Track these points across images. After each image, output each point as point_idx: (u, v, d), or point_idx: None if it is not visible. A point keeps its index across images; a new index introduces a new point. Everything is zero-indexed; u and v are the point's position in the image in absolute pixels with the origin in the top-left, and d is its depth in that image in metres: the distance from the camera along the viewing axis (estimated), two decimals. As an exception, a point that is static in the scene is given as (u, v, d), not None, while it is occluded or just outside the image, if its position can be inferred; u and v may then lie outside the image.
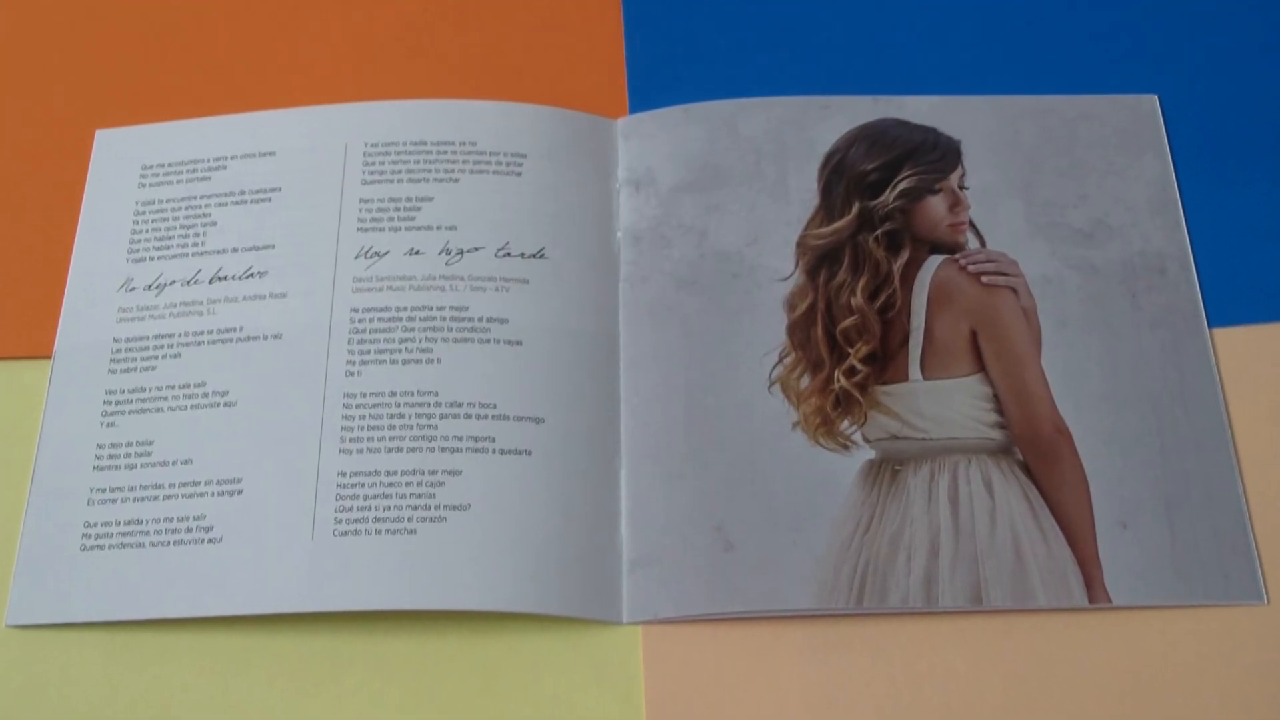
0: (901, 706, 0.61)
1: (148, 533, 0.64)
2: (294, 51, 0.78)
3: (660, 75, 0.77)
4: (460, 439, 0.66)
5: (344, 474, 0.65)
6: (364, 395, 0.67)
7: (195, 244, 0.71)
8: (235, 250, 0.71)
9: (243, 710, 0.62)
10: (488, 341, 0.68)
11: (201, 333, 0.69)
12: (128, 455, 0.66)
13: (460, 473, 0.65)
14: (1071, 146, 0.73)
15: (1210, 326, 0.69)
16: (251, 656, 0.63)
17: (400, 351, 0.68)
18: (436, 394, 0.66)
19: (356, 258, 0.70)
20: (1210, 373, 0.67)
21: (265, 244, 0.71)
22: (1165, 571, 0.63)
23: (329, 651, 0.63)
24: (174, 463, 0.66)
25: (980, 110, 0.74)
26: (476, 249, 0.70)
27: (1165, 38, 0.77)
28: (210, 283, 0.70)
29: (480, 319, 0.68)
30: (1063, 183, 0.72)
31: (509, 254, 0.70)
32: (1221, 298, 0.69)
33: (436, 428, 0.66)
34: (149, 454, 0.66)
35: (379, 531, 0.64)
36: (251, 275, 0.70)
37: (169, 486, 0.65)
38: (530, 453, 0.66)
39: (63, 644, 0.63)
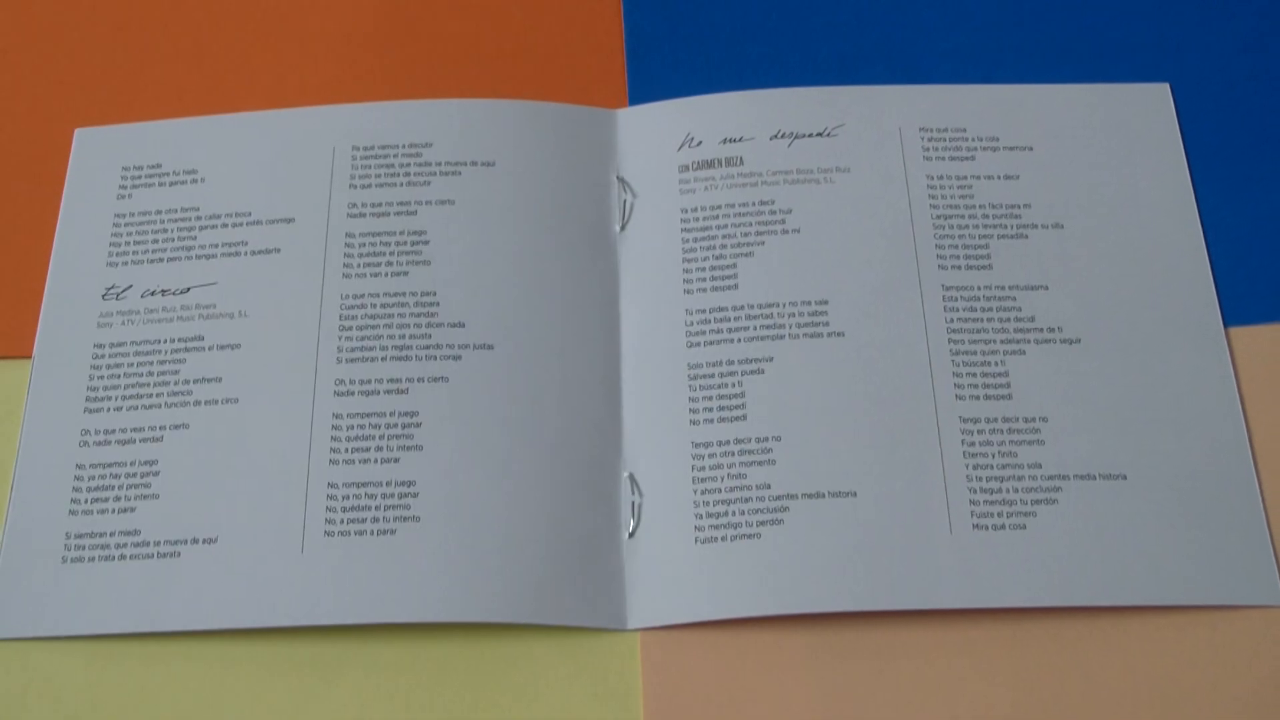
0: (909, 714, 0.60)
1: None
2: (282, 49, 0.78)
3: (661, 67, 0.76)
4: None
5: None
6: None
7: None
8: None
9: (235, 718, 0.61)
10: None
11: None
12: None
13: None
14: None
15: (1226, 325, 0.68)
16: (239, 666, 0.62)
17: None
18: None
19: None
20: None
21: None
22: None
23: (319, 660, 0.62)
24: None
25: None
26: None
27: (1177, 24, 0.77)
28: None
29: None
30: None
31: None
32: (1238, 295, 0.69)
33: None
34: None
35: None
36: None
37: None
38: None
39: (44, 654, 0.62)
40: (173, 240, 0.70)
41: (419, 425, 0.65)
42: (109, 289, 0.69)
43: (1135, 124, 0.73)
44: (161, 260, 0.70)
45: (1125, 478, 0.64)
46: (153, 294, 0.69)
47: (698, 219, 0.70)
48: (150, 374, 0.67)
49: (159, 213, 0.71)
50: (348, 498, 0.64)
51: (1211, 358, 0.67)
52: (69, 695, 0.61)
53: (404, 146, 0.72)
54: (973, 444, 0.64)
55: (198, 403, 0.66)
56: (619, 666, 0.62)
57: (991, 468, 0.64)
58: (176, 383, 0.67)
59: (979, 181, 0.71)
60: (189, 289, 0.69)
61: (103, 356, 0.68)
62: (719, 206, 0.70)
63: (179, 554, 0.63)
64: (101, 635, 0.62)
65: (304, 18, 0.79)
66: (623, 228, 0.71)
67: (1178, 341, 0.67)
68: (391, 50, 0.77)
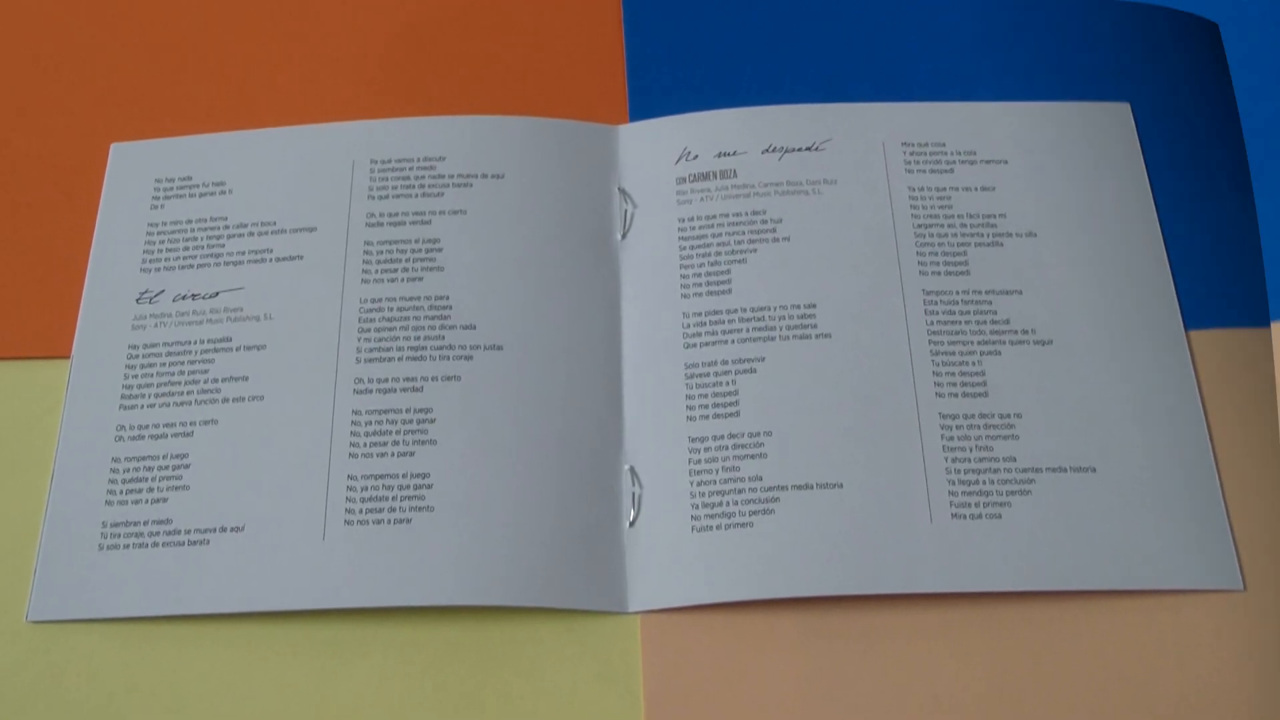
0: (892, 694, 0.62)
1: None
2: (305, 69, 0.79)
3: (659, 85, 0.77)
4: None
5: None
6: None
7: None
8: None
9: (256, 698, 0.62)
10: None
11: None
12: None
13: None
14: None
15: (1187, 329, 0.69)
16: (265, 647, 0.63)
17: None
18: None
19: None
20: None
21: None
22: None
23: (339, 641, 0.64)
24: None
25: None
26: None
27: (1137, 50, 0.78)
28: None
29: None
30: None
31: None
32: (1198, 301, 0.70)
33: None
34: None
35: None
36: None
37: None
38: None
39: (82, 635, 0.64)
40: (202, 248, 0.72)
41: (433, 421, 0.67)
42: (143, 293, 0.71)
43: (1100, 139, 0.74)
44: (192, 266, 0.71)
45: (1094, 470, 0.66)
46: (184, 298, 0.71)
47: (694, 228, 0.72)
48: (181, 373, 0.69)
49: (189, 222, 0.73)
50: (366, 489, 0.66)
51: (1173, 359, 0.69)
52: (105, 675, 0.63)
53: (419, 160, 0.74)
54: (951, 438, 0.66)
55: (226, 400, 0.68)
56: (620, 647, 0.63)
57: (969, 461, 0.66)
58: (206, 381, 0.68)
59: (957, 193, 0.73)
60: (218, 293, 0.71)
61: (137, 356, 0.69)
62: (714, 216, 0.72)
63: (208, 541, 0.65)
64: (136, 618, 0.64)
65: (325, 40, 0.80)
66: (624, 236, 0.72)
67: (1142, 343, 0.69)
68: (407, 70, 0.78)
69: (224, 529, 0.65)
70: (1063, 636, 0.63)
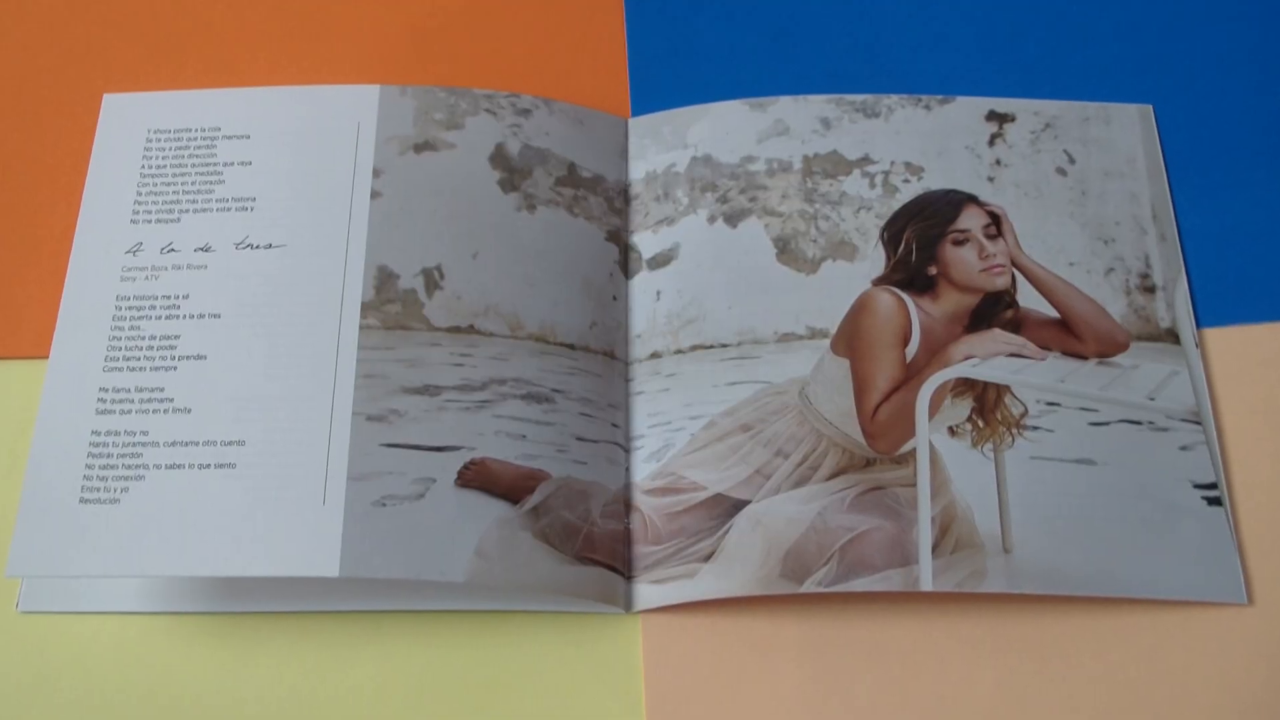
0: (893, 695, 0.62)
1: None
2: (301, 36, 0.79)
3: (662, 75, 0.77)
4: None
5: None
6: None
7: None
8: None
9: (255, 695, 0.62)
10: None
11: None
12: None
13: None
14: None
15: (1199, 326, 0.70)
16: (262, 645, 0.63)
17: None
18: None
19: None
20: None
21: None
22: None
23: (339, 643, 0.63)
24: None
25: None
26: None
27: (1160, 49, 0.78)
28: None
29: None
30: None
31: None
32: (1211, 299, 0.71)
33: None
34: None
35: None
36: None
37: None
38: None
39: (74, 630, 0.63)
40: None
41: None
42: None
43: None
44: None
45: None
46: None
47: None
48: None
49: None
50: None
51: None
52: (99, 672, 0.63)
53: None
54: None
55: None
56: (621, 648, 0.63)
57: None
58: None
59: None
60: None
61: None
62: None
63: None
64: (130, 613, 0.64)
65: (325, 12, 0.80)
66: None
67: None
68: (407, 59, 0.78)
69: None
70: (1069, 640, 0.63)
